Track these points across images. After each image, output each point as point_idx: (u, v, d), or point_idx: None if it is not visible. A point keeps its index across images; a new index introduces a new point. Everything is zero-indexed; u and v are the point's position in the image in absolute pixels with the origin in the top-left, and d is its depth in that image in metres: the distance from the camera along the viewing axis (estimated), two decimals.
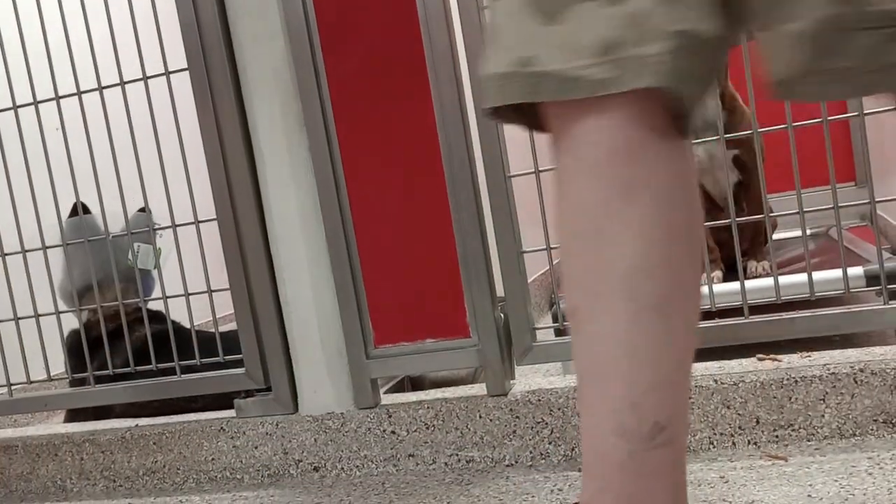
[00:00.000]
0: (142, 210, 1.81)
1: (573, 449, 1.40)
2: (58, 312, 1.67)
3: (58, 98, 1.63)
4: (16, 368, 1.76)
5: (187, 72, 1.53)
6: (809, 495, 1.13)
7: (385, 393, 1.61)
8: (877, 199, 1.28)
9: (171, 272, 1.71)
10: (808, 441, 1.31)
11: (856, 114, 1.25)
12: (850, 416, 1.29)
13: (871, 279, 1.77)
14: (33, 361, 1.73)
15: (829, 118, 1.29)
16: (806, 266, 1.38)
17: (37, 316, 1.69)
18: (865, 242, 2.30)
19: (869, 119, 1.39)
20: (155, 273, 1.81)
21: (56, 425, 1.80)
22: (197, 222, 1.58)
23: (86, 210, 1.87)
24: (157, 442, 1.62)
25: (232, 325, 1.68)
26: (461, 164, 1.42)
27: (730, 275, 2.14)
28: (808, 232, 2.76)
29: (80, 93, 1.61)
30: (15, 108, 1.67)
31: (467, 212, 1.43)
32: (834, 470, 1.20)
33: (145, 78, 1.59)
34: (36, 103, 1.65)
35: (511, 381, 1.48)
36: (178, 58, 1.55)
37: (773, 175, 2.74)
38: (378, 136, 1.47)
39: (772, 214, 1.46)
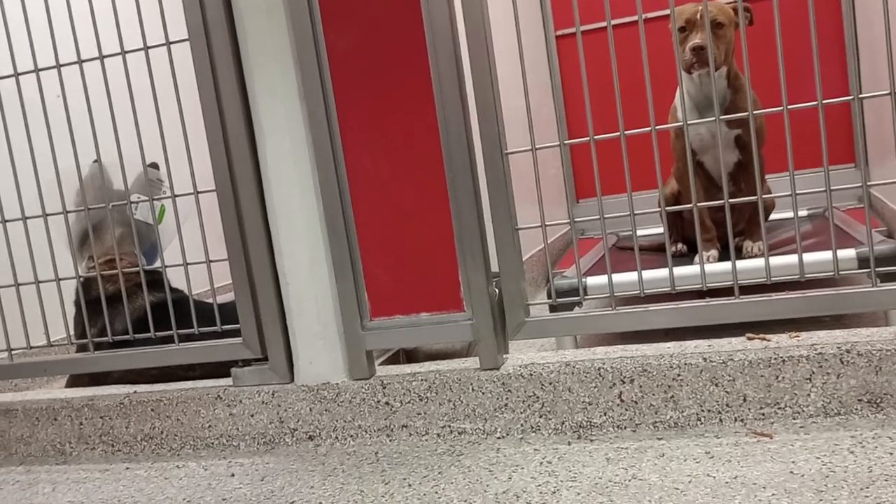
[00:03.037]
0: (152, 165, 1.84)
1: (563, 423, 1.43)
2: (58, 279, 1.69)
3: (59, 66, 1.64)
4: (16, 334, 1.79)
5: (188, 43, 1.54)
6: (791, 472, 1.15)
7: (380, 365, 1.63)
8: (869, 183, 1.29)
9: (172, 243, 1.73)
10: (794, 419, 1.33)
11: (851, 97, 1.26)
12: (836, 396, 1.31)
13: (864, 261, 1.79)
14: (33, 327, 1.76)
15: (825, 101, 1.30)
16: (797, 247, 1.39)
17: (37, 282, 1.71)
18: (861, 224, 2.31)
19: (871, 102, 1.39)
20: (159, 239, 1.83)
21: (56, 390, 1.83)
22: (196, 193, 1.59)
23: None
24: (155, 409, 1.64)
25: (230, 296, 1.70)
26: (458, 140, 1.43)
27: (726, 253, 2.15)
28: (807, 213, 2.78)
29: (80, 61, 1.62)
30: (16, 74, 1.67)
31: (464, 187, 1.45)
32: (817, 448, 1.22)
33: (146, 48, 1.59)
34: (37, 70, 1.65)
35: (504, 356, 1.50)
36: (179, 29, 1.56)
37: (776, 156, 2.74)
38: (376, 111, 1.48)
39: (765, 196, 1.47)
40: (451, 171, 1.45)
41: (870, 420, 1.28)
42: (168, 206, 2.00)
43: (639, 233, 2.93)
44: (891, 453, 1.16)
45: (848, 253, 1.79)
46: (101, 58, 1.61)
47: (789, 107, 1.32)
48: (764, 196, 1.48)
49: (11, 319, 1.79)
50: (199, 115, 1.54)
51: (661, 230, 2.84)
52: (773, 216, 2.53)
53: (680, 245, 2.38)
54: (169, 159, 1.62)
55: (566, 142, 1.49)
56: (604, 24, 3.32)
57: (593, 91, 3.38)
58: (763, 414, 1.34)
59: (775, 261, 1.83)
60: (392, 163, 1.48)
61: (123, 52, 1.60)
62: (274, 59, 1.50)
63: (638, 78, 3.09)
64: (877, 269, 1.34)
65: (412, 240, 1.49)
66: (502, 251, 1.46)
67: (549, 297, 1.66)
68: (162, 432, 1.65)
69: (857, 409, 1.30)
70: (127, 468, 1.59)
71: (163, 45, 1.58)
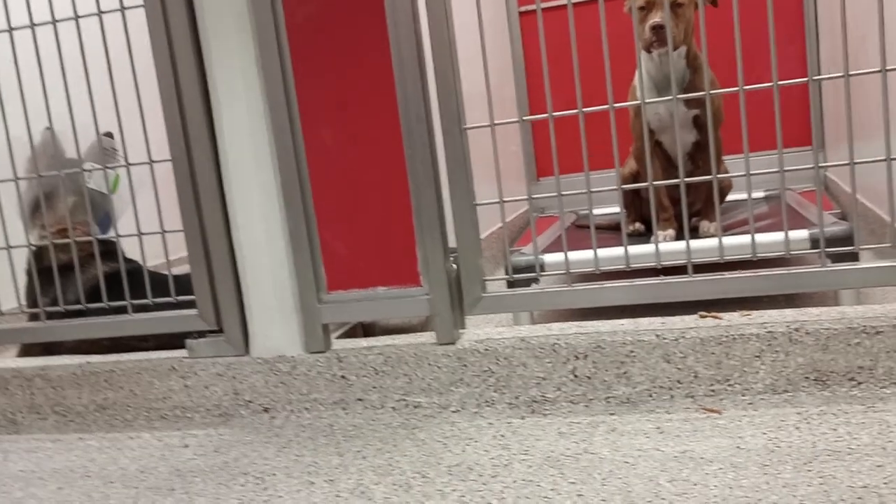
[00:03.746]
0: (107, 134, 1.81)
1: (517, 397, 1.44)
2: (9, 247, 1.65)
3: (10, 30, 1.59)
4: None
5: (143, 9, 1.51)
6: (738, 447, 1.18)
7: (337, 338, 1.63)
8: (820, 164, 1.31)
9: (127, 214, 1.70)
10: (743, 396, 1.36)
11: (805, 79, 1.27)
12: (784, 374, 1.34)
13: (816, 242, 1.82)
14: None
15: (780, 83, 1.31)
16: (750, 227, 1.41)
17: None
18: (815, 206, 2.35)
19: (832, 84, 1.41)
20: (118, 209, 1.80)
21: (7, 359, 1.80)
22: (151, 162, 1.57)
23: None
24: (108, 379, 1.63)
25: (186, 268, 1.68)
26: (417, 115, 1.43)
27: (683, 233, 2.18)
28: (764, 194, 2.82)
29: (33, 25, 1.58)
30: None
31: (422, 163, 1.44)
32: (764, 423, 1.25)
33: (100, 13, 1.56)
34: None
35: (460, 331, 1.51)
36: None
37: (735, 137, 2.77)
38: (335, 83, 1.46)
39: (720, 176, 1.48)
40: (410, 145, 1.44)
41: (816, 397, 1.32)
42: (122, 175, 1.97)
43: (599, 212, 2.96)
44: (834, 429, 1.19)
45: (801, 234, 1.82)
46: (54, 22, 1.57)
47: (745, 87, 1.33)
48: (720, 176, 1.50)
49: None
50: (155, 83, 1.51)
51: (618, 210, 2.86)
52: (730, 197, 2.56)
53: (638, 224, 2.40)
54: (123, 127, 1.59)
55: (525, 118, 1.49)
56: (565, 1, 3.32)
57: (556, 68, 3.38)
58: (713, 391, 1.36)
59: (731, 241, 1.86)
60: (350, 136, 1.47)
61: (77, 17, 1.56)
62: (231, 27, 1.48)
63: (600, 56, 3.09)
64: (826, 250, 1.37)
65: (370, 214, 1.49)
66: (460, 227, 1.47)
67: (507, 273, 1.67)
68: (115, 403, 1.63)
69: (804, 387, 1.33)
70: (79, 438, 1.58)
71: (117, 10, 1.55)
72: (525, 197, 1.49)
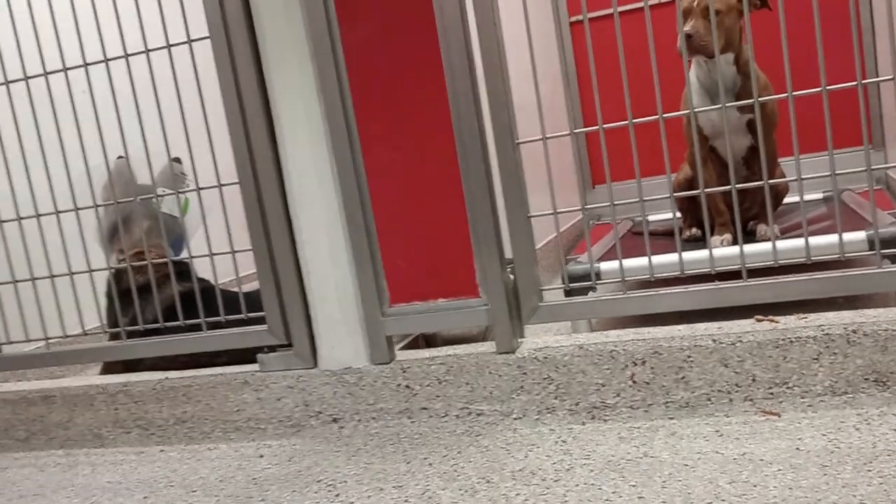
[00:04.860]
0: (175, 160, 1.91)
1: (577, 404, 1.48)
2: (90, 270, 1.75)
3: (86, 65, 1.70)
4: (52, 323, 1.87)
5: (209, 40, 1.59)
6: (798, 448, 1.19)
7: (400, 349, 1.69)
8: (873, 167, 1.31)
9: (200, 234, 1.79)
10: (802, 398, 1.37)
11: (854, 83, 1.28)
12: (843, 375, 1.35)
13: (875, 244, 1.81)
14: (68, 316, 1.83)
15: (829, 87, 1.33)
16: (804, 230, 1.42)
17: (71, 274, 1.78)
18: (875, 206, 2.32)
19: (888, 84, 1.41)
20: (189, 231, 1.89)
21: (92, 377, 1.90)
22: (220, 185, 1.65)
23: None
24: (186, 394, 1.71)
25: (254, 285, 1.76)
26: (471, 130, 1.48)
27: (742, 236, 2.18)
28: (820, 195, 2.79)
29: (107, 60, 1.68)
30: (45, 74, 1.74)
31: (477, 177, 1.49)
32: (823, 425, 1.26)
33: (168, 46, 1.65)
34: (65, 70, 1.72)
35: (519, 339, 1.55)
36: (200, 28, 1.61)
37: (789, 140, 2.76)
38: (391, 103, 1.52)
39: (771, 181, 1.50)
40: (465, 160, 1.50)
41: (876, 398, 1.32)
42: (192, 198, 2.07)
43: (654, 218, 2.96)
44: (895, 429, 1.20)
45: (858, 235, 1.81)
46: (126, 56, 1.66)
47: (794, 93, 1.35)
48: (776, 181, 1.51)
49: (47, 310, 1.86)
50: (221, 111, 1.60)
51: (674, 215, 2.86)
52: (787, 200, 2.55)
53: (695, 229, 2.41)
54: (193, 153, 1.68)
55: (576, 130, 1.53)
56: (605, 11, 3.34)
57: (608, 77, 3.40)
58: (772, 393, 1.38)
59: (788, 244, 1.86)
60: (406, 153, 1.53)
61: (147, 51, 1.66)
62: (291, 55, 1.55)
63: (649, 64, 3.11)
64: (883, 252, 1.37)
65: (428, 228, 1.54)
66: (516, 238, 1.51)
67: (563, 282, 1.70)
68: (193, 416, 1.71)
69: (863, 388, 1.34)
70: (161, 450, 1.66)
71: (185, 42, 1.63)
72: (579, 207, 1.53)
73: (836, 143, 3.09)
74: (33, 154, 1.83)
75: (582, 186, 3.61)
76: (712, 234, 2.22)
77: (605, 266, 1.98)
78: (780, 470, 1.13)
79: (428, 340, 1.93)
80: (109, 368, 2.01)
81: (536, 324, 1.54)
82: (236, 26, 1.56)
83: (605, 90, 3.39)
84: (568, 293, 1.80)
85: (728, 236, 2.17)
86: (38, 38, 1.74)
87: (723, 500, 1.07)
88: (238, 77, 1.58)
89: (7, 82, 1.77)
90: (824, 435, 1.22)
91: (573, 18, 3.54)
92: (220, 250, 1.69)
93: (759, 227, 2.21)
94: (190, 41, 1.63)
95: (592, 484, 1.19)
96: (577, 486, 1.19)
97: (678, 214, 2.46)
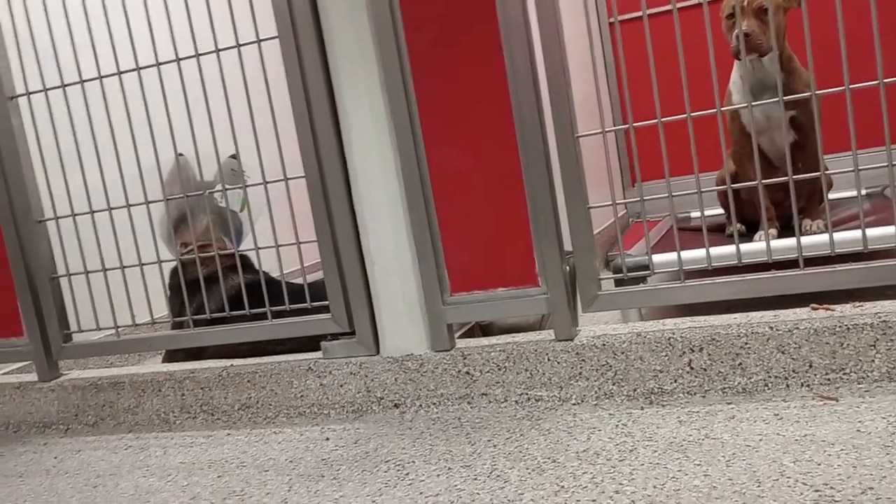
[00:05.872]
0: (233, 156, 1.97)
1: (635, 389, 1.52)
2: (160, 261, 1.82)
3: (158, 65, 1.77)
4: (122, 313, 1.94)
5: (277, 40, 1.65)
6: (858, 430, 1.23)
7: (458, 338, 1.74)
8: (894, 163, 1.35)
9: (263, 226, 1.85)
10: (859, 384, 1.40)
11: (876, 82, 1.32)
12: None
13: None
14: (138, 306, 1.90)
15: (886, 80, 1.36)
16: (860, 223, 1.45)
17: (141, 265, 1.85)
18: None
19: None
20: (245, 226, 1.96)
21: (159, 364, 1.97)
22: (286, 179, 1.71)
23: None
24: (251, 380, 1.77)
25: (317, 275, 1.82)
26: (532, 124, 1.53)
27: (783, 233, 2.21)
28: (865, 192, 2.81)
29: (178, 59, 1.75)
30: (119, 73, 1.81)
31: (537, 169, 1.54)
32: (882, 409, 1.29)
33: (238, 45, 1.71)
34: (138, 69, 1.79)
35: (576, 328, 1.60)
36: (269, 27, 1.68)
37: (827, 136, 2.78)
38: (454, 99, 1.58)
39: (827, 172, 1.53)
40: (526, 154, 1.54)
41: None
42: (250, 194, 2.13)
43: (695, 214, 3.00)
44: None
45: None
46: (197, 56, 1.73)
47: (851, 86, 1.38)
48: (806, 175, 1.55)
49: (117, 299, 1.93)
50: (286, 107, 1.66)
51: (717, 212, 2.89)
52: (830, 196, 2.57)
53: (739, 225, 2.44)
54: (260, 148, 1.74)
55: (635, 124, 1.58)
56: (659, 9, 3.38)
57: (646, 76, 3.43)
58: (829, 379, 1.41)
59: (839, 236, 1.89)
60: (468, 148, 1.58)
61: (217, 50, 1.72)
62: (357, 54, 1.61)
63: (693, 63, 3.14)
64: None
65: (489, 219, 1.59)
66: (575, 229, 1.56)
67: (616, 272, 1.74)
68: (258, 402, 1.78)
69: None
70: (228, 434, 1.73)
71: (253, 42, 1.70)
72: (637, 199, 1.57)
73: (881, 140, 3.11)
74: (106, 149, 1.90)
75: (637, 181, 3.65)
76: (758, 230, 2.26)
77: (657, 258, 2.02)
78: (842, 450, 1.17)
79: (484, 330, 1.98)
80: (171, 357, 2.08)
81: (594, 312, 1.59)
82: (304, 26, 1.62)
83: (644, 88, 3.42)
84: (618, 283, 1.84)
85: (773, 231, 2.20)
86: (112, 39, 1.82)
87: (788, 478, 1.11)
88: (305, 75, 1.64)
89: (81, 81, 1.85)
90: (884, 418, 1.25)
91: (622, 17, 3.58)
92: (277, 243, 1.75)
93: (805, 221, 2.24)
94: (259, 41, 1.69)
95: (657, 463, 1.23)
96: (641, 465, 1.23)
97: (721, 210, 2.49)
